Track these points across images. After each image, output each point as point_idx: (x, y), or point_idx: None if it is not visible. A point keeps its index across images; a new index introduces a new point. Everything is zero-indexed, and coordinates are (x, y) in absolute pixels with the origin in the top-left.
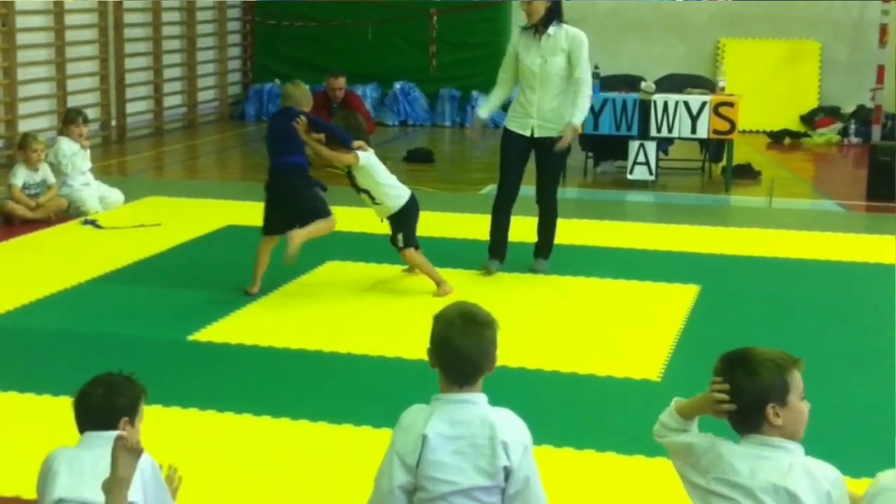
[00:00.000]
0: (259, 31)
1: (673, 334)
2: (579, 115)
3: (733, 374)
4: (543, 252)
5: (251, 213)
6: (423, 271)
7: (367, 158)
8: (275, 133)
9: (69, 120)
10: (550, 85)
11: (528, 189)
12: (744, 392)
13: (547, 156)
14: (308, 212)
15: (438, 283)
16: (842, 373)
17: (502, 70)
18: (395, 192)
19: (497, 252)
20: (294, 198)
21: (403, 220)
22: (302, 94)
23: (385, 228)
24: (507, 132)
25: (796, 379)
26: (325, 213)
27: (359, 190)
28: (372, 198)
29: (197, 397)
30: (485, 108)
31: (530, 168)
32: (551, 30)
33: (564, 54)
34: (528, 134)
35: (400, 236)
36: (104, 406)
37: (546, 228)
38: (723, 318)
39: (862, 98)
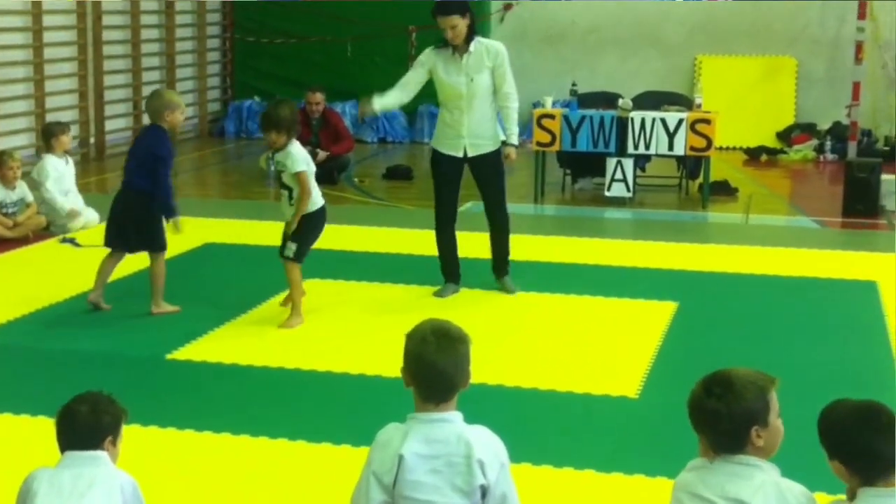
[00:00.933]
0: (238, 48)
1: (650, 351)
2: (516, 130)
3: (716, 398)
4: (502, 268)
5: (230, 230)
6: (293, 292)
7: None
8: (141, 152)
9: (52, 133)
10: (479, 102)
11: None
12: (729, 416)
13: (485, 172)
14: (143, 242)
15: (296, 312)
16: (821, 389)
17: (408, 78)
18: (315, 194)
19: (451, 274)
20: (136, 223)
21: (307, 228)
22: (162, 104)
23: (364, 246)
24: (437, 154)
25: (774, 398)
26: (158, 248)
27: (282, 186)
28: (290, 197)
29: (175, 416)
30: (380, 102)
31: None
32: (472, 46)
33: (489, 70)
34: (460, 154)
35: (294, 246)
36: (89, 424)
37: (500, 243)
38: (701, 334)
39: (838, 115)
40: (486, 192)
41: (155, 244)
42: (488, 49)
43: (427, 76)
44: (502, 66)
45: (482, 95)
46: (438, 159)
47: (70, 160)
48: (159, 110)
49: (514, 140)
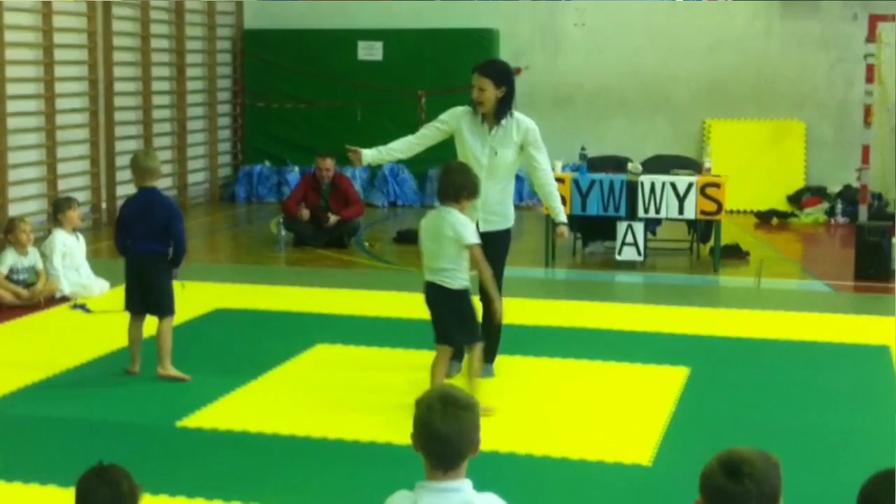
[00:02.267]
0: (249, 113)
1: (664, 417)
2: (562, 208)
3: (746, 479)
4: (490, 354)
5: (240, 295)
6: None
7: None
8: (155, 216)
9: (60, 209)
10: (498, 177)
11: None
12: (759, 497)
13: (491, 250)
14: (157, 305)
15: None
16: (835, 455)
17: (421, 133)
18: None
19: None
20: (150, 287)
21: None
22: (158, 165)
23: (374, 311)
24: None
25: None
26: (168, 311)
27: None
28: None
29: (185, 485)
30: (373, 156)
31: None
32: (504, 121)
33: (516, 146)
34: None
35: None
36: None
37: (493, 327)
38: (713, 400)
39: (848, 178)
40: None
41: (168, 307)
42: (519, 124)
43: (443, 136)
44: (535, 142)
45: (503, 171)
46: None
47: (80, 236)
48: (158, 171)
49: (563, 217)
